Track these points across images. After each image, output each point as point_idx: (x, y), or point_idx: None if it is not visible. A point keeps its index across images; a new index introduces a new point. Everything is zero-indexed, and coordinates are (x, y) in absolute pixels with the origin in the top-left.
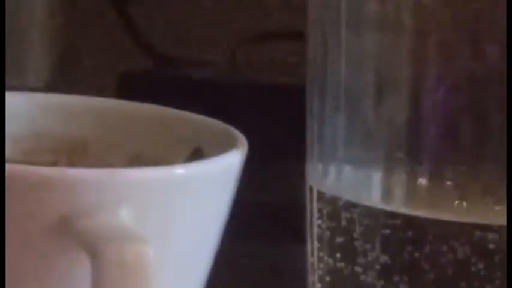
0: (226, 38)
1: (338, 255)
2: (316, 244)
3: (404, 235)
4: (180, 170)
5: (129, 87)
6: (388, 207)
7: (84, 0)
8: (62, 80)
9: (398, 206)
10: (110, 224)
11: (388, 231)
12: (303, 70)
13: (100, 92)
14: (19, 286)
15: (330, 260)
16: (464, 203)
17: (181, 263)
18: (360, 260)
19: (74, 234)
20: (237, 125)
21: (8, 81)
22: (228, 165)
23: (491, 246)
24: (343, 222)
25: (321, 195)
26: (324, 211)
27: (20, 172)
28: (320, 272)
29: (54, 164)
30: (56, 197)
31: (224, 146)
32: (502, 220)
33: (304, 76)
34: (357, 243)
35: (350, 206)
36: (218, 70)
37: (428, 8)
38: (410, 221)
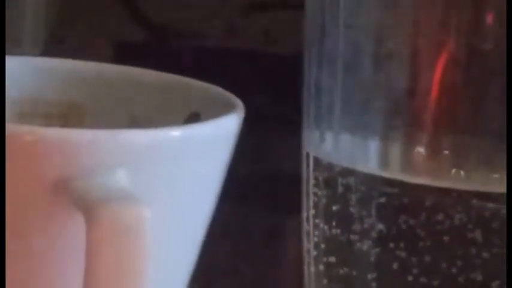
0: (223, 7)
1: (334, 222)
2: (312, 211)
3: (401, 202)
4: (176, 132)
5: (125, 58)
6: (385, 175)
7: None
8: (57, 50)
9: (395, 173)
10: (107, 186)
11: (384, 199)
12: (300, 39)
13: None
14: (15, 248)
15: (326, 227)
16: (462, 171)
17: (177, 225)
18: (356, 227)
19: (70, 195)
20: (234, 94)
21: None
22: (225, 129)
23: (488, 214)
24: (340, 189)
25: (317, 162)
26: (320, 178)
27: (16, 132)
28: (316, 239)
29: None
30: (52, 158)
31: (221, 111)
32: (499, 188)
33: (302, 45)
34: (353, 211)
35: (347, 172)
36: (215, 40)
37: None
38: (407, 189)
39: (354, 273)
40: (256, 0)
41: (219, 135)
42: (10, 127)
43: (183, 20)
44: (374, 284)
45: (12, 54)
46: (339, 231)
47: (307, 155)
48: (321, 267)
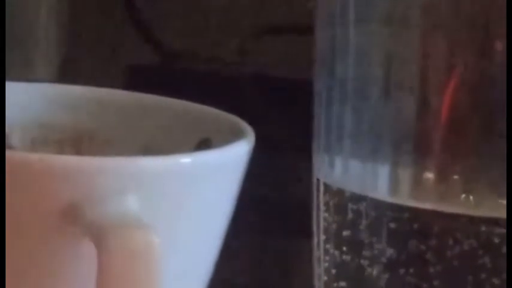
0: (234, 32)
1: (344, 248)
2: (322, 237)
3: (411, 228)
4: (187, 159)
5: (137, 82)
6: (395, 200)
7: None
8: (70, 74)
9: (405, 199)
10: (117, 212)
11: (394, 224)
12: (311, 64)
13: (108, 86)
14: (26, 273)
15: (336, 253)
16: (471, 197)
17: (188, 251)
18: (366, 252)
19: (81, 222)
20: (244, 119)
21: (17, 75)
22: (235, 156)
23: (497, 239)
24: (350, 215)
25: (327, 188)
26: (331, 203)
27: (27, 160)
28: (326, 264)
29: (62, 154)
30: (62, 185)
31: (232, 137)
32: None
33: (312, 70)
34: (363, 236)
35: (357, 198)
36: (226, 64)
37: (437, 3)
38: (416, 214)
39: None
40: (268, 24)
41: (228, 162)
42: (21, 155)
43: (195, 45)
44: None
45: (25, 79)
46: (349, 256)
47: (318, 180)
48: None
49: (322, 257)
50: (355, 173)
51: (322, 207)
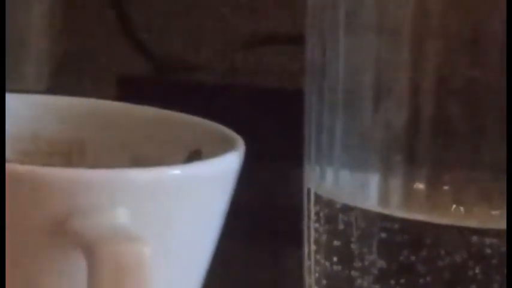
0: (225, 42)
1: (335, 258)
2: (313, 247)
3: (401, 239)
4: (176, 171)
5: (128, 92)
6: (385, 211)
7: (83, 5)
8: (61, 84)
9: (395, 210)
10: (107, 224)
11: (385, 235)
12: (302, 74)
13: (99, 97)
14: (15, 285)
15: (327, 263)
16: (461, 208)
17: (178, 263)
18: (357, 263)
19: (71, 234)
20: (236, 129)
21: (9, 85)
22: (225, 167)
23: (488, 250)
24: (340, 226)
25: (318, 198)
26: (321, 214)
27: (17, 172)
28: (317, 275)
29: (52, 165)
30: (52, 197)
31: (222, 148)
32: (499, 224)
33: (303, 80)
34: (353, 247)
35: (347, 209)
36: (217, 74)
37: (427, 13)
38: (407, 225)
39: None
40: (260, 35)
41: (219, 173)
42: (10, 167)
43: (186, 55)
44: None
45: (16, 90)
46: (340, 267)
47: (308, 191)
48: None
49: (312, 267)
50: (346, 183)
51: (312, 218)
